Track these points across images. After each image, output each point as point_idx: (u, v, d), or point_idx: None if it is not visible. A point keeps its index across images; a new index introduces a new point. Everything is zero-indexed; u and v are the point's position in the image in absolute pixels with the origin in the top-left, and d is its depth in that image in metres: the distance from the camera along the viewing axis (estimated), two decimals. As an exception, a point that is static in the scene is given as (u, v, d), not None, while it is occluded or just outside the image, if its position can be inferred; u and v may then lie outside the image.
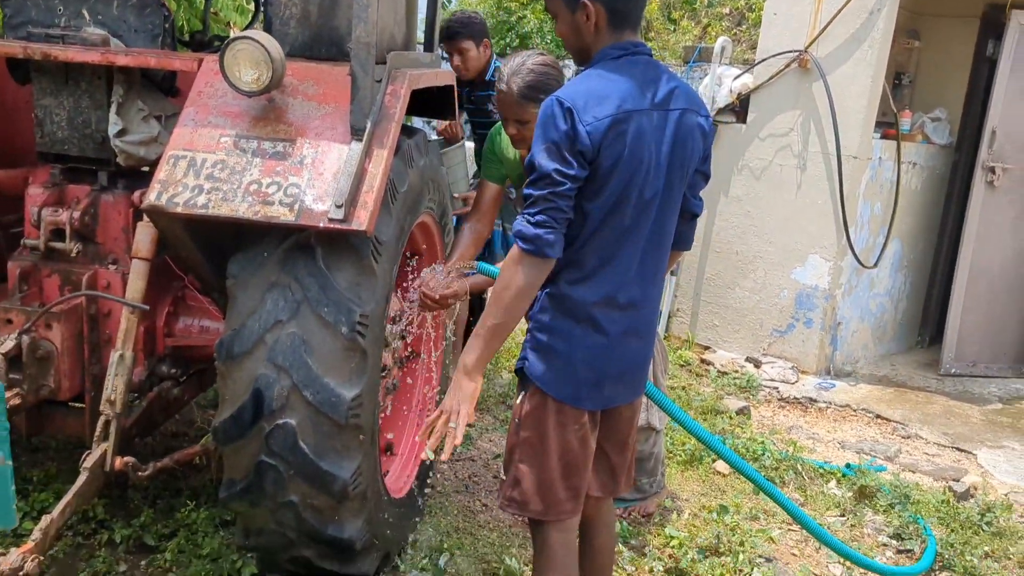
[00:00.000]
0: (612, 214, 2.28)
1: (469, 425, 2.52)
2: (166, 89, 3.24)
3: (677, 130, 2.33)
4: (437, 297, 2.88)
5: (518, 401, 2.46)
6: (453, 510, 3.72)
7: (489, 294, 2.42)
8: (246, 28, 3.87)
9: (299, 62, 2.87)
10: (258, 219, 2.56)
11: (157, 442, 3.91)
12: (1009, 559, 3.67)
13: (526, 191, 2.24)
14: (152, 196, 2.61)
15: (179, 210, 2.58)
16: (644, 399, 3.59)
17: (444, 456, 2.33)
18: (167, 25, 3.19)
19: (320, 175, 2.61)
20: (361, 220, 2.54)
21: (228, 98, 2.75)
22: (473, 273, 2.98)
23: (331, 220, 2.53)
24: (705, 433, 2.94)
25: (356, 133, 2.65)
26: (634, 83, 2.27)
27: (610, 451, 2.58)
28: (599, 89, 2.24)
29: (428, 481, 3.64)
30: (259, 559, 3.04)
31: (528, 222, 2.21)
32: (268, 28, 3.05)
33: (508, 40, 13.44)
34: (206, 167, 2.64)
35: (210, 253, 2.86)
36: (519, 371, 2.46)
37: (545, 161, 2.19)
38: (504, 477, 2.50)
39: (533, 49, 3.05)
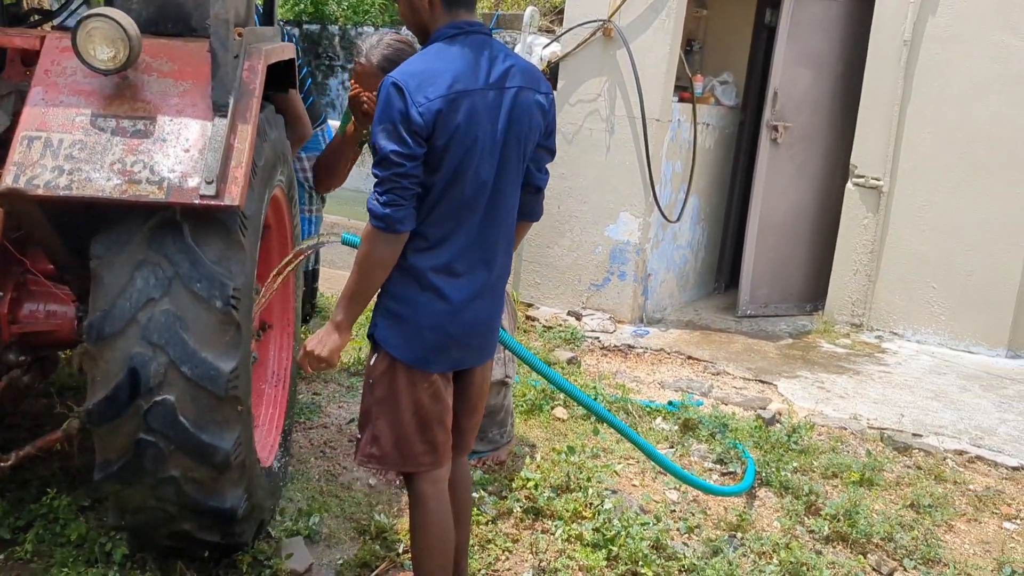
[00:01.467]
0: (449, 189, 2.42)
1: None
2: (-3, 66, 3.11)
3: (513, 107, 2.47)
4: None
5: (371, 363, 2.60)
6: (314, 475, 3.82)
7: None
8: (63, 6, 3.72)
9: (149, 39, 2.84)
10: (126, 198, 2.55)
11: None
12: (814, 471, 4.20)
13: (373, 171, 2.38)
14: (9, 179, 2.54)
15: (40, 192, 2.53)
16: (500, 354, 3.84)
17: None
18: (-6, 0, 3.06)
19: (186, 152, 2.62)
20: (233, 195, 2.59)
21: (79, 76, 2.70)
22: (334, 242, 3.10)
23: (203, 196, 2.56)
24: (564, 381, 3.21)
25: (219, 109, 2.67)
26: (467, 63, 2.40)
27: (460, 414, 2.72)
28: (431, 69, 2.37)
29: (288, 451, 3.72)
30: (131, 539, 3.03)
31: (377, 201, 2.37)
32: (109, 3, 2.99)
33: (303, 6, 13.20)
34: (64, 147, 2.59)
35: (67, 235, 2.80)
36: (371, 336, 2.60)
37: (384, 142, 2.33)
38: (360, 436, 2.64)
39: (391, 29, 3.22)
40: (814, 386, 5.42)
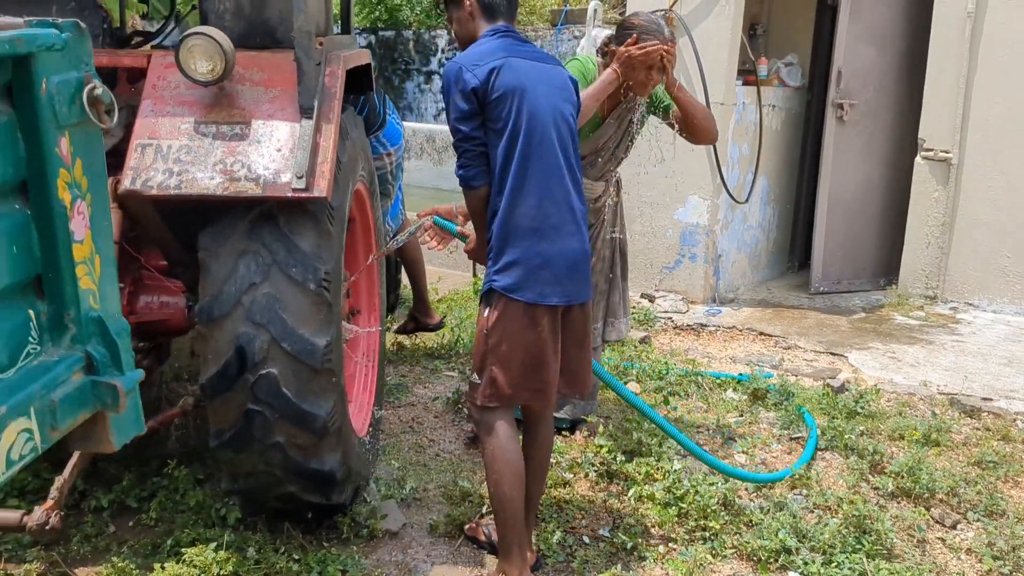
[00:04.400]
0: (511, 142, 2.93)
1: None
2: (110, 84, 3.47)
3: (548, 77, 3.05)
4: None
5: (484, 315, 3.02)
6: (404, 447, 4.13)
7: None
8: (161, 27, 4.11)
9: (241, 52, 3.17)
10: (228, 194, 2.88)
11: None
12: (880, 434, 4.33)
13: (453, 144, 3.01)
14: (127, 182, 2.89)
15: (154, 192, 2.88)
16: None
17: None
18: (105, 26, 3.43)
19: (278, 151, 2.94)
20: (321, 188, 2.90)
21: (182, 88, 3.04)
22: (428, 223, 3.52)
23: (295, 190, 2.87)
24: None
25: (305, 112, 2.99)
26: (507, 44, 3.05)
27: (569, 348, 3.11)
28: (482, 51, 3.01)
29: (379, 424, 4.03)
30: (243, 503, 3.37)
31: (457, 165, 3.00)
32: (204, 22, 3.33)
33: (378, 13, 13.61)
34: (172, 152, 2.94)
35: (178, 231, 3.16)
36: (486, 292, 3.03)
37: (450, 116, 2.98)
38: (479, 380, 3.04)
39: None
40: (885, 356, 5.51)
